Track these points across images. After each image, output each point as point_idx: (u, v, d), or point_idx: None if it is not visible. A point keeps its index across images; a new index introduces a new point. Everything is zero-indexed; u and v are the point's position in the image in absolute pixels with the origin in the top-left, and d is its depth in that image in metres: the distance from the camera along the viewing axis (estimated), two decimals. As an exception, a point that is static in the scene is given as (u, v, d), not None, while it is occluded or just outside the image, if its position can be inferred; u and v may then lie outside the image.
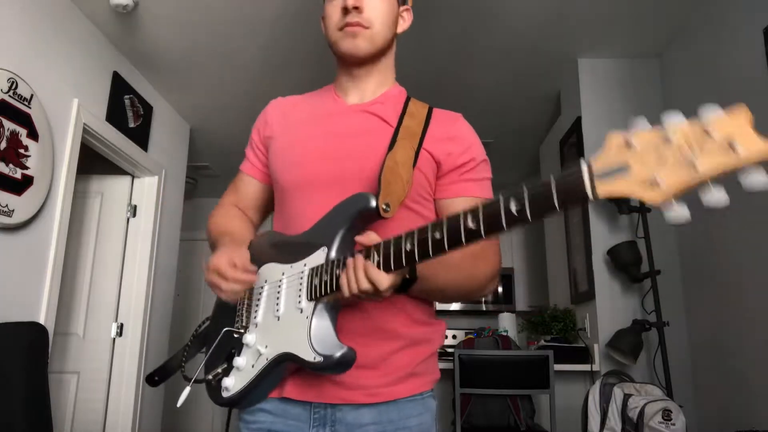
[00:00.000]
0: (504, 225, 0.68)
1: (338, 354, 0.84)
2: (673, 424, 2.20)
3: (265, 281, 1.00)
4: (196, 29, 2.96)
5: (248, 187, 1.17)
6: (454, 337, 5.18)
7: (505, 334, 3.13)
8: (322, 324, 0.88)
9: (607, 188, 0.60)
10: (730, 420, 2.38)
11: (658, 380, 2.65)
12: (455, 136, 1.05)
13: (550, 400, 2.54)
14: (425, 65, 3.32)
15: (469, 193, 1.02)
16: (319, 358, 0.85)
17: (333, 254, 0.90)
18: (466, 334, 4.40)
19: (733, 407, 2.41)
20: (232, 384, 0.95)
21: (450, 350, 2.90)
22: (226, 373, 0.97)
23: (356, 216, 0.91)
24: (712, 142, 0.54)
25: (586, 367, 2.88)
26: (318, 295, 0.89)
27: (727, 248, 2.46)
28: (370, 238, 0.84)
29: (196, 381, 0.97)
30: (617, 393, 2.45)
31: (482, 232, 0.71)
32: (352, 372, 0.93)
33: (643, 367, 2.81)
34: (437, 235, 0.75)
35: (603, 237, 3.00)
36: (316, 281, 0.89)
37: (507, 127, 4.14)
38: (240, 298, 1.02)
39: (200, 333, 1.10)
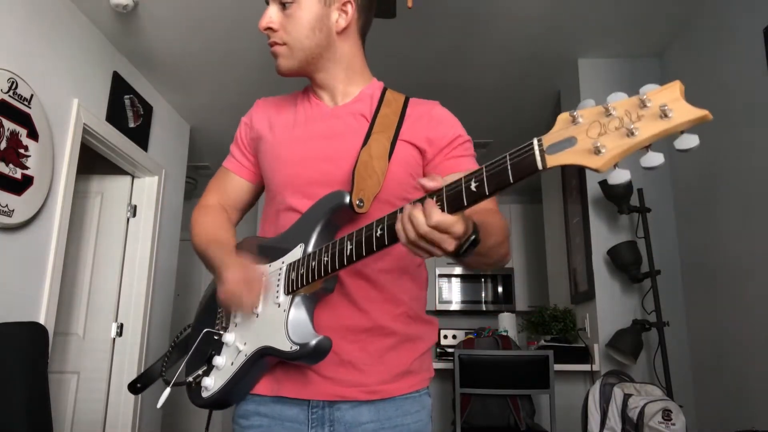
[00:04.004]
0: (465, 202, 0.72)
1: (313, 342, 0.86)
2: (673, 424, 2.20)
3: None
4: (195, 29, 2.96)
5: (234, 185, 1.16)
6: (454, 337, 5.18)
7: (505, 334, 3.13)
8: (298, 315, 0.91)
9: (554, 159, 0.66)
10: (730, 420, 2.38)
11: (658, 380, 2.65)
12: (436, 121, 1.05)
13: (550, 400, 2.54)
14: (425, 66, 3.32)
15: (462, 169, 1.01)
16: (295, 347, 0.87)
17: (310, 249, 0.92)
18: (466, 334, 4.39)
19: (733, 407, 2.41)
20: (212, 383, 0.96)
21: (450, 350, 2.90)
22: (206, 374, 0.98)
23: (331, 213, 0.94)
24: (648, 111, 0.60)
25: (586, 367, 2.88)
26: (294, 288, 0.91)
27: (727, 248, 2.46)
28: (436, 181, 0.76)
29: (176, 384, 0.97)
30: (617, 393, 2.45)
31: (464, 201, 0.73)
32: (350, 369, 0.94)
33: (643, 367, 2.81)
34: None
35: (603, 237, 3.00)
36: (293, 275, 0.92)
37: (507, 128, 4.14)
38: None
39: (181, 340, 1.10)
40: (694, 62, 2.77)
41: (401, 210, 0.78)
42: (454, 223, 0.73)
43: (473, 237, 0.77)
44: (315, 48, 1.03)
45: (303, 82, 1.14)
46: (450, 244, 0.74)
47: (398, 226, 0.76)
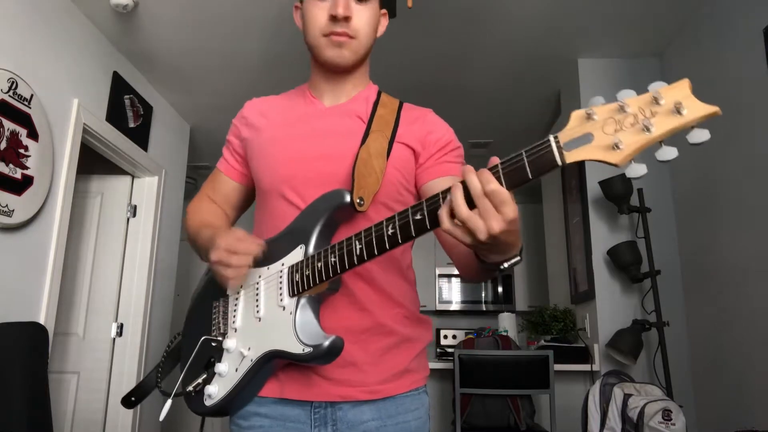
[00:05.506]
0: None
1: (326, 343, 0.85)
2: (673, 424, 2.20)
3: (241, 287, 0.99)
4: (196, 29, 2.96)
5: (225, 186, 1.17)
6: (454, 337, 5.18)
7: (505, 334, 3.13)
8: (305, 317, 0.90)
9: (573, 156, 0.67)
10: (730, 420, 2.38)
11: (658, 380, 2.65)
12: (430, 125, 1.07)
13: (550, 400, 2.54)
14: (425, 66, 3.32)
15: (453, 173, 1.03)
16: (308, 349, 0.86)
17: (311, 250, 0.92)
18: (466, 334, 4.40)
19: (733, 407, 2.41)
20: (216, 391, 0.94)
21: (450, 350, 2.90)
22: (208, 381, 0.96)
23: (332, 212, 0.93)
24: (662, 107, 0.63)
25: (586, 367, 2.88)
26: (300, 290, 0.90)
27: (727, 248, 2.46)
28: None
29: (176, 395, 0.95)
30: (617, 393, 2.45)
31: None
32: (352, 370, 0.94)
33: (643, 367, 2.81)
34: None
35: (603, 237, 3.00)
36: (297, 277, 0.91)
37: (507, 128, 4.14)
38: (214, 306, 1.02)
39: (173, 349, 1.08)
40: (694, 62, 2.77)
41: (427, 198, 0.77)
42: (510, 200, 0.69)
43: (520, 258, 0.78)
44: (369, 48, 1.07)
45: (301, 80, 1.14)
46: (497, 223, 0.69)
47: (460, 187, 0.70)
